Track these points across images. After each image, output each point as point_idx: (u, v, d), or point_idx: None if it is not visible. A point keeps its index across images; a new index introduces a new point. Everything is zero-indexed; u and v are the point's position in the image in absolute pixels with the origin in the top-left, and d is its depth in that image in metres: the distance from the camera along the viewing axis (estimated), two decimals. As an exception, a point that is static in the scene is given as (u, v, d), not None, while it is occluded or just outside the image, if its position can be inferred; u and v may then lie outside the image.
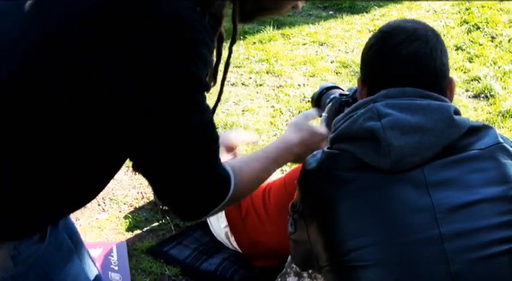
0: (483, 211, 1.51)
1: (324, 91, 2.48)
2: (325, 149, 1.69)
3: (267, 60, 5.88)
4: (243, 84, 5.40)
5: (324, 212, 1.60)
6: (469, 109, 4.85)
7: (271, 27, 6.43)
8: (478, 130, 1.59)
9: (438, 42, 1.69)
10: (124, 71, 1.31)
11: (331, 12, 7.26)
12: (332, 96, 2.38)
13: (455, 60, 5.68)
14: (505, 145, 1.59)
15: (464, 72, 5.52)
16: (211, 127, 1.48)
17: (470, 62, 5.72)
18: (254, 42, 6.16)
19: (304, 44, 6.43)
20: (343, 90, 2.45)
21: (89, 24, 1.32)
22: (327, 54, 6.26)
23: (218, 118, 4.83)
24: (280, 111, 4.93)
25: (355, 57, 6.16)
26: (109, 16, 1.32)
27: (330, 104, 2.34)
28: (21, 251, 1.46)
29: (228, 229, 3.17)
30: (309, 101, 5.16)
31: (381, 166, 1.53)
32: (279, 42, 6.33)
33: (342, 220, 1.55)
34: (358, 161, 1.57)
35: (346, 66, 5.95)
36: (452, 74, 5.44)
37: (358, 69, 5.84)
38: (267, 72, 5.65)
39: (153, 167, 1.46)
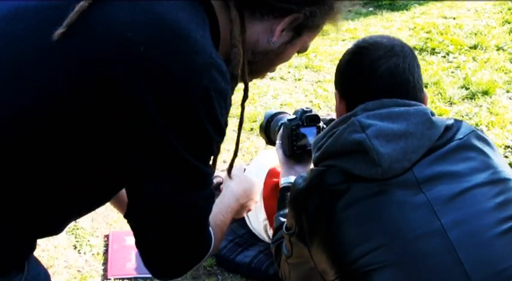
0: (477, 197, 1.57)
1: (270, 119, 2.47)
2: (312, 167, 1.73)
3: (306, 55, 5.86)
4: (281, 78, 5.40)
5: (322, 227, 1.62)
6: (508, 110, 4.81)
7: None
8: (453, 125, 1.64)
9: (414, 58, 1.73)
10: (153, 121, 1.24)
11: (370, 9, 7.24)
12: (280, 122, 2.37)
13: (496, 61, 5.64)
14: (478, 131, 1.67)
15: (505, 73, 5.47)
16: (212, 198, 1.45)
17: (511, 62, 5.67)
18: (293, 37, 6.15)
19: (344, 40, 6.41)
20: (288, 114, 2.43)
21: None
22: (366, 50, 6.23)
23: (256, 111, 4.84)
24: (319, 107, 4.93)
25: (395, 55, 6.13)
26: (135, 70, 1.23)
27: (280, 131, 2.33)
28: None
29: (267, 222, 3.18)
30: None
31: (372, 175, 1.56)
32: (318, 37, 6.32)
33: (342, 231, 1.57)
34: (346, 174, 1.60)
35: (385, 63, 5.93)
36: (493, 74, 5.39)
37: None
38: (306, 67, 5.65)
39: (145, 226, 1.42)
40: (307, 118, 2.28)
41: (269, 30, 1.45)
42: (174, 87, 1.22)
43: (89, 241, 3.45)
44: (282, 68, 5.54)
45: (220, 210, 1.70)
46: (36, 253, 3.24)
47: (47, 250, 3.36)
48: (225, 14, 1.40)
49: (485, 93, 5.14)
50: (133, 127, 1.24)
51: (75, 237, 3.48)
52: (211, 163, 1.44)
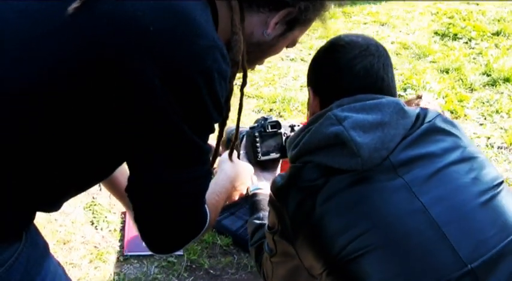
0: (452, 174, 1.59)
1: (231, 135, 2.49)
2: (290, 165, 1.72)
3: (327, 37, 5.81)
4: (302, 60, 5.39)
5: (304, 223, 1.62)
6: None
7: (333, 5, 6.36)
8: (420, 113, 1.68)
9: (388, 58, 1.75)
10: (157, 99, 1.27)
11: (393, -7, 7.19)
12: (242, 134, 2.40)
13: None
14: (443, 116, 1.70)
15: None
16: (209, 175, 1.48)
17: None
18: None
19: (365, 23, 6.38)
20: (247, 128, 2.46)
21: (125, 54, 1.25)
22: (388, 34, 6.21)
23: (276, 93, 4.83)
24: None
25: (417, 39, 6.10)
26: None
27: (244, 140, 2.36)
28: (1, 252, 1.42)
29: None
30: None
31: (352, 167, 1.57)
32: (339, 20, 6.31)
33: (324, 224, 1.58)
34: (323, 168, 1.61)
35: (407, 48, 5.90)
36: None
37: (418, 51, 5.79)
38: (327, 50, 5.61)
39: (144, 200, 1.43)
40: (269, 124, 2.35)
41: (264, 22, 1.49)
42: (179, 66, 1.25)
43: (106, 217, 3.47)
44: (302, 50, 5.53)
45: (214, 191, 1.73)
46: (53, 228, 3.29)
47: (64, 225, 3.39)
48: (224, 4, 1.45)
49: (506, 80, 5.11)
50: (137, 103, 1.27)
51: (93, 213, 3.50)
52: (215, 143, 1.51)
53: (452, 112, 4.72)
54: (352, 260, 1.53)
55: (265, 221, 2.08)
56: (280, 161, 2.39)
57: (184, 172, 1.38)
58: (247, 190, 2.20)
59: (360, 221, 1.55)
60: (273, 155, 2.34)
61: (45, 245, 1.59)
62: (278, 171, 2.38)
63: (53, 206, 1.53)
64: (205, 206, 1.53)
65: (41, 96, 1.27)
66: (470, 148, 1.67)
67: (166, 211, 1.43)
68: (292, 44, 1.64)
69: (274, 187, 1.71)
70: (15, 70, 1.27)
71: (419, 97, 2.89)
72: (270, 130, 2.34)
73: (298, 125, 2.39)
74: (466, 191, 1.58)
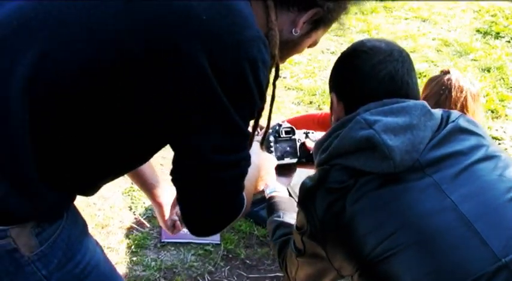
0: (479, 171, 1.61)
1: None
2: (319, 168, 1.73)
3: (367, 31, 5.83)
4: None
5: (334, 225, 1.63)
6: None
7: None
8: (444, 115, 1.70)
9: (411, 63, 1.75)
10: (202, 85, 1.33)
11: (436, -11, 7.12)
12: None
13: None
14: (465, 116, 1.73)
15: None
16: (249, 160, 1.53)
17: None
18: (356, 13, 6.09)
19: (406, 19, 6.34)
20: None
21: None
22: (429, 31, 6.15)
23: (316, 85, 4.83)
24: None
25: (458, 37, 6.04)
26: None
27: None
28: (45, 228, 1.46)
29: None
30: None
31: (384, 170, 1.57)
32: (380, 14, 6.27)
33: (354, 225, 1.59)
34: (351, 170, 1.62)
35: (448, 45, 5.85)
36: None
37: (460, 49, 5.73)
38: (367, 44, 5.59)
39: (189, 183, 1.48)
40: (283, 130, 2.41)
41: (292, 21, 1.54)
42: (227, 54, 1.32)
43: (144, 203, 3.49)
44: (343, 44, 5.51)
45: (247, 178, 1.75)
46: (91, 212, 3.32)
47: (103, 210, 3.42)
48: (260, 3, 1.50)
49: (549, 81, 5.04)
50: (187, 86, 1.32)
51: (131, 198, 3.53)
52: (252, 128, 1.55)
53: (493, 111, 4.67)
54: (384, 259, 1.54)
55: (286, 220, 2.15)
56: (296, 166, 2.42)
57: (228, 155, 1.43)
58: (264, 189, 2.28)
59: (390, 221, 1.56)
60: (288, 160, 2.41)
61: (84, 224, 1.63)
62: (294, 176, 2.41)
63: (92, 188, 1.57)
64: (243, 191, 1.58)
65: (98, 78, 1.32)
66: (493, 147, 1.69)
67: (210, 193, 1.47)
68: (314, 43, 1.69)
69: (303, 189, 1.73)
70: (76, 51, 1.31)
71: (446, 72, 2.82)
72: (284, 136, 2.41)
73: (313, 132, 2.41)
74: (493, 188, 1.60)
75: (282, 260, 2.01)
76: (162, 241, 3.23)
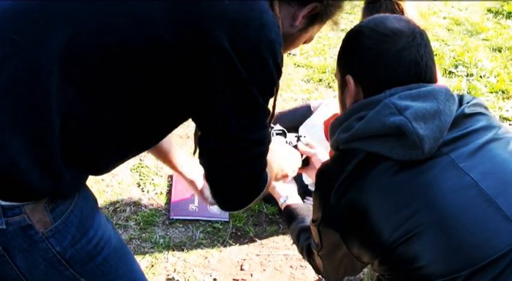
0: (494, 150, 1.61)
1: None
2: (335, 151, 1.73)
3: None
4: (352, 31, 5.32)
5: (351, 209, 1.61)
6: None
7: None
8: (459, 97, 1.71)
9: (430, 44, 1.72)
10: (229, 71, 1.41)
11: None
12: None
13: None
14: (476, 99, 1.73)
15: None
16: (270, 138, 1.64)
17: None
18: (366, -10, 6.04)
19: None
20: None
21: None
22: (440, 9, 6.11)
23: (326, 63, 4.80)
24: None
25: (470, 16, 5.99)
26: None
27: None
28: (58, 204, 1.48)
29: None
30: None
31: (412, 157, 1.56)
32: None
33: (372, 208, 1.57)
34: (372, 156, 1.60)
35: (459, 24, 5.80)
36: None
37: (471, 28, 5.69)
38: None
39: (217, 161, 1.57)
40: (275, 132, 2.37)
41: (291, 15, 1.59)
42: (249, 38, 1.40)
43: (152, 179, 3.49)
44: (353, 21, 5.46)
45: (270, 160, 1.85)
46: (100, 188, 3.32)
47: (111, 186, 3.41)
48: None
49: (561, 61, 5.00)
50: (214, 68, 1.40)
51: (139, 175, 3.52)
52: (272, 106, 1.62)
53: (503, 92, 4.64)
54: (405, 241, 1.52)
55: (307, 224, 2.12)
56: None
57: (254, 133, 1.53)
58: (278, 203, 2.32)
59: (410, 202, 1.54)
60: None
61: (95, 200, 1.65)
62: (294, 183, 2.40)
63: (108, 167, 1.62)
64: (267, 167, 1.68)
65: (130, 54, 1.38)
66: (503, 128, 1.70)
67: (238, 171, 1.57)
68: (309, 39, 1.75)
69: (321, 173, 1.72)
70: (116, 30, 1.37)
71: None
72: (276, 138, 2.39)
73: (304, 136, 2.39)
74: (510, 164, 1.60)
75: (313, 261, 2.00)
76: (171, 218, 3.22)
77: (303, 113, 3.43)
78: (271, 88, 1.51)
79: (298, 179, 3.22)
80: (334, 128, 1.73)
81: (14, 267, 1.51)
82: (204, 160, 1.58)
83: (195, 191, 2.27)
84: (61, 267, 1.54)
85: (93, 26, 1.37)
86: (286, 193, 2.32)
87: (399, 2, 2.71)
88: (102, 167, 1.59)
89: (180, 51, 1.38)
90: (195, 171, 2.20)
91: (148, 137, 1.61)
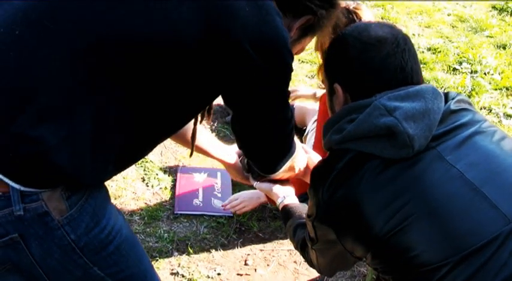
0: (479, 142, 1.67)
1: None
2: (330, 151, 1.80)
3: (382, 6, 5.78)
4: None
5: (343, 205, 1.66)
6: None
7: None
8: (445, 94, 1.76)
9: (414, 48, 1.76)
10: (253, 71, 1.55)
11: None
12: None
13: None
14: (461, 96, 1.80)
15: None
16: (293, 120, 1.84)
17: None
18: (372, -14, 6.05)
19: (421, -6, 6.26)
20: None
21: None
22: (444, 6, 6.10)
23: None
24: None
25: (474, 13, 5.99)
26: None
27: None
28: (74, 192, 1.52)
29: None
30: (423, 51, 5.07)
31: (402, 156, 1.61)
32: (394, -11, 6.19)
33: (362, 204, 1.62)
34: (363, 155, 1.65)
35: (463, 21, 5.80)
36: None
37: (475, 25, 5.68)
38: (382, 18, 5.56)
39: (251, 141, 1.83)
40: None
41: (287, 26, 1.65)
42: (267, 38, 1.52)
43: (157, 174, 3.49)
44: (357, 18, 5.44)
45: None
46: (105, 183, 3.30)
47: (116, 180, 3.41)
48: None
49: None
50: (238, 68, 1.53)
51: (144, 170, 3.52)
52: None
53: (508, 89, 4.63)
54: (396, 233, 1.57)
55: (303, 220, 2.18)
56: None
57: (281, 113, 1.73)
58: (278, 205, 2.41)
59: (399, 195, 1.59)
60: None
61: (107, 191, 1.70)
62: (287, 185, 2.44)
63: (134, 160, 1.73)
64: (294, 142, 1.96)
65: (164, 52, 1.46)
66: (487, 122, 1.76)
67: (267, 132, 1.77)
68: (301, 50, 1.89)
69: (315, 173, 1.77)
70: (136, 26, 1.45)
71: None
72: None
73: None
74: (495, 155, 1.66)
75: (306, 255, 2.05)
76: (176, 213, 3.23)
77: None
78: (289, 75, 1.65)
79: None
80: (326, 129, 1.78)
81: (29, 255, 1.53)
82: (236, 129, 1.80)
83: (227, 169, 2.51)
84: (75, 255, 1.57)
85: (125, 25, 1.44)
86: (284, 194, 2.37)
87: (357, 12, 2.73)
88: (126, 159, 1.65)
89: (205, 50, 1.47)
90: (229, 152, 2.42)
91: (169, 126, 1.69)
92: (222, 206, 3.22)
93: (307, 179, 2.32)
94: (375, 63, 1.69)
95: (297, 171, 2.21)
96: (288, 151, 1.93)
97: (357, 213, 1.62)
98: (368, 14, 2.79)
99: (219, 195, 3.37)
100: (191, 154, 2.12)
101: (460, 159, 1.62)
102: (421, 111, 1.62)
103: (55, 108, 1.41)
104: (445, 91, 1.79)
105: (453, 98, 1.74)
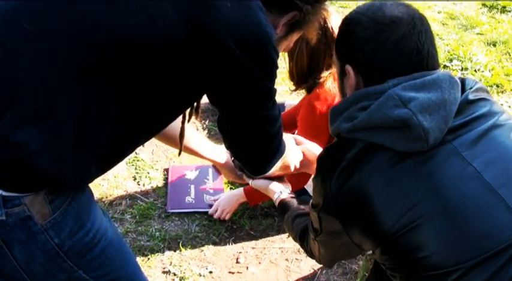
0: (498, 137, 1.61)
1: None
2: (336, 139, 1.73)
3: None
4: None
5: (352, 197, 1.60)
6: None
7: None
8: (461, 81, 1.68)
9: (431, 29, 1.67)
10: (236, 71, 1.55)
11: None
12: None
13: None
14: (479, 84, 1.72)
15: None
16: (280, 118, 1.81)
17: None
18: (361, -16, 6.04)
19: (412, -8, 6.26)
20: None
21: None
22: (434, 3, 6.11)
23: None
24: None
25: (464, 10, 5.99)
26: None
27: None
28: (57, 196, 1.51)
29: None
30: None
31: (417, 149, 1.54)
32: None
33: (374, 196, 1.56)
34: (374, 145, 1.58)
35: (454, 18, 5.81)
36: None
37: (465, 22, 5.69)
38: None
39: (237, 137, 1.80)
40: None
41: (272, 23, 1.65)
42: (251, 35, 1.51)
43: (148, 173, 3.49)
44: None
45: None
46: (95, 182, 3.24)
47: (107, 179, 3.41)
48: None
49: (555, 55, 5.01)
50: (222, 66, 1.52)
51: (135, 168, 3.52)
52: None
53: (498, 86, 4.65)
54: (408, 232, 1.52)
55: (301, 211, 2.15)
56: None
57: (267, 110, 1.70)
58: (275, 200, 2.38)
59: (412, 192, 1.53)
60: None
61: (91, 193, 1.68)
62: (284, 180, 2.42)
63: (114, 163, 1.67)
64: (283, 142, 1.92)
65: (147, 50, 1.45)
66: (505, 114, 1.69)
67: (253, 132, 1.76)
68: (287, 47, 1.88)
69: (321, 159, 1.72)
70: (117, 23, 1.44)
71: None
72: None
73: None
74: None
75: (306, 245, 2.01)
76: (168, 211, 3.24)
77: None
78: (274, 71, 1.64)
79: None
80: (335, 115, 1.70)
81: (12, 259, 1.52)
82: (223, 130, 1.78)
83: (226, 173, 2.49)
84: (59, 259, 1.55)
85: (107, 21, 1.43)
86: (280, 189, 2.34)
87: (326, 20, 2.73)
88: (108, 159, 1.62)
89: (189, 49, 1.47)
90: (220, 152, 2.40)
91: (153, 125, 1.67)
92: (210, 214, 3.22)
93: (307, 170, 2.33)
94: (389, 45, 1.60)
95: (292, 168, 2.19)
96: (276, 149, 1.90)
97: (366, 207, 1.57)
98: (335, 19, 2.76)
99: (211, 191, 3.37)
100: (179, 153, 2.11)
101: (477, 156, 1.57)
102: (437, 103, 1.54)
103: (37, 112, 1.41)
104: (462, 77, 1.71)
105: (471, 87, 1.67)
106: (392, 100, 1.55)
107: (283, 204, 2.31)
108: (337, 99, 2.79)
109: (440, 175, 1.54)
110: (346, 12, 1.91)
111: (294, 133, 2.83)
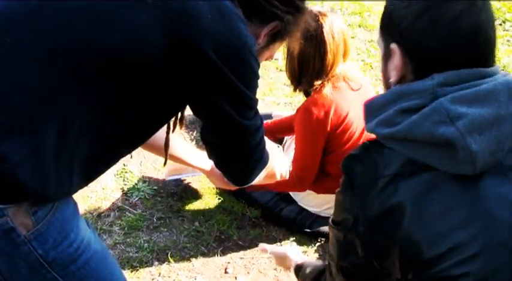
0: None
1: None
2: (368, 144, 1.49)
3: (359, 13, 5.80)
4: (334, 35, 5.34)
5: (387, 217, 1.39)
6: None
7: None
8: None
9: (491, 7, 1.43)
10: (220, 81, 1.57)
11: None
12: None
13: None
14: None
15: None
16: (262, 128, 1.82)
17: None
18: (348, -6, 6.08)
19: (399, 1, 6.29)
20: None
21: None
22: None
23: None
24: (371, 66, 4.88)
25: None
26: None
27: None
28: (40, 207, 1.50)
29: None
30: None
31: (463, 172, 1.34)
32: (372, -4, 6.22)
33: (414, 226, 1.36)
34: (412, 162, 1.39)
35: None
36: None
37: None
38: (359, 26, 5.59)
39: (223, 147, 1.80)
40: None
41: (254, 33, 1.70)
42: (232, 46, 1.54)
43: (136, 184, 3.49)
44: (335, 26, 5.47)
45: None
46: (84, 194, 3.32)
47: (95, 191, 3.42)
48: None
49: (541, 64, 5.04)
50: (204, 77, 1.54)
51: (123, 180, 3.53)
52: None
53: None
54: (451, 267, 1.34)
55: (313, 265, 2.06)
56: None
57: (249, 120, 1.70)
58: None
59: (468, 223, 1.35)
60: None
61: (75, 204, 1.67)
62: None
63: (98, 174, 1.66)
64: (267, 152, 1.92)
65: (127, 62, 1.46)
66: None
67: (235, 144, 1.76)
68: (270, 57, 1.90)
69: (351, 171, 1.50)
70: (98, 33, 1.45)
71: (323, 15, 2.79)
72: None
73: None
74: None
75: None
76: (167, 179, 3.36)
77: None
78: (256, 81, 1.66)
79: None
80: (371, 110, 1.48)
81: None
82: (205, 141, 1.79)
83: (207, 177, 2.47)
84: (43, 270, 1.55)
85: (88, 35, 1.44)
86: (297, 258, 2.32)
87: (322, 21, 2.75)
88: (91, 171, 1.61)
89: (170, 60, 1.48)
90: (205, 159, 2.35)
91: (136, 136, 1.67)
92: None
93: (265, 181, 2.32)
94: (443, 23, 1.36)
95: (278, 177, 2.21)
96: (259, 160, 1.88)
97: (405, 226, 1.37)
98: (337, 22, 2.80)
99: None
100: (165, 163, 2.12)
101: None
102: (491, 121, 1.33)
103: (17, 124, 1.41)
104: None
105: None
106: (439, 115, 1.33)
107: (299, 266, 2.20)
108: (335, 105, 2.84)
109: (498, 221, 1.35)
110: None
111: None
